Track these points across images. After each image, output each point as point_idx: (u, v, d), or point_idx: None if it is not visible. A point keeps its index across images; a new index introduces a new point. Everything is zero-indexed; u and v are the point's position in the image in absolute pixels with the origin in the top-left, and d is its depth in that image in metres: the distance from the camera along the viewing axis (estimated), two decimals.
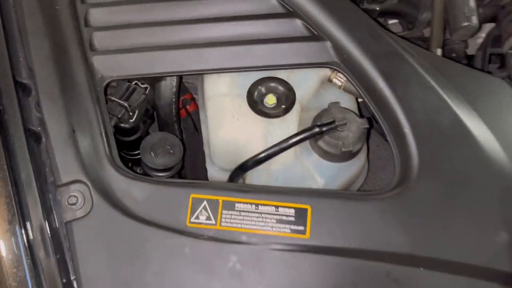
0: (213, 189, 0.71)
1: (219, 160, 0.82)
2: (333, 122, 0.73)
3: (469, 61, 1.04)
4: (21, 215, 0.66)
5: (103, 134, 0.73)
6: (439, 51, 0.88)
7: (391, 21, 1.10)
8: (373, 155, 0.93)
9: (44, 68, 0.74)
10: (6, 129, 0.68)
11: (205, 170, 0.87)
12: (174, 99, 0.85)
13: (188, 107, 0.98)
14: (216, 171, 0.84)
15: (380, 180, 0.91)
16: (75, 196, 0.69)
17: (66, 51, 0.77)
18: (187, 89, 1.00)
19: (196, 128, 0.96)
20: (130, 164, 0.95)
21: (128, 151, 0.92)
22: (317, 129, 0.72)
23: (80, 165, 0.70)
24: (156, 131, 0.94)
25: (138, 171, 1.00)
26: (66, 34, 0.78)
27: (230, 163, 0.81)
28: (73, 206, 0.68)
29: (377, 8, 0.92)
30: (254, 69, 0.79)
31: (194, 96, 1.01)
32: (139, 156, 0.85)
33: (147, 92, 0.84)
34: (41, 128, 0.72)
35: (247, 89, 0.79)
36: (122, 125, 0.83)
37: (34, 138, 0.71)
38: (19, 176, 0.67)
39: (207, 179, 0.88)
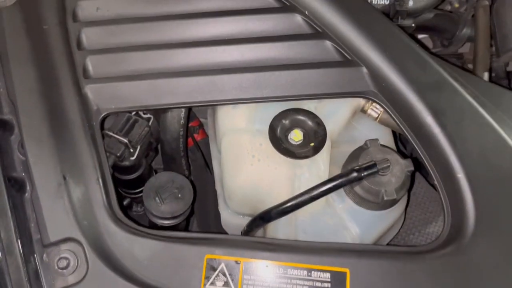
0: (231, 246, 0.60)
1: (235, 204, 0.70)
2: (375, 165, 0.62)
3: (509, 79, 0.93)
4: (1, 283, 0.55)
5: (100, 179, 0.61)
6: (486, 76, 0.77)
7: (420, 36, 0.99)
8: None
9: (29, 102, 0.63)
10: None
11: (216, 211, 0.75)
12: (182, 133, 0.73)
13: (195, 135, 0.86)
14: (231, 216, 0.73)
15: (416, 220, 0.80)
16: (67, 258, 0.58)
17: (56, 80, 0.65)
18: (194, 114, 0.88)
19: (206, 161, 0.84)
20: (130, 202, 0.83)
21: (128, 189, 0.80)
22: (355, 174, 0.61)
23: (73, 220, 0.59)
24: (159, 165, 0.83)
25: (139, 208, 0.88)
26: (56, 59, 0.66)
27: (249, 208, 0.69)
28: (64, 271, 0.57)
29: (413, 24, 0.81)
30: (276, 99, 0.68)
31: (202, 121, 0.89)
32: (140, 195, 0.73)
33: (150, 124, 0.73)
34: (25, 174, 0.60)
35: (268, 124, 0.67)
36: (122, 163, 0.71)
37: (16, 187, 0.59)
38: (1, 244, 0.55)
39: (217, 223, 0.76)
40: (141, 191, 0.73)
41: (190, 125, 0.85)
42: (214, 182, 0.77)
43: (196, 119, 0.88)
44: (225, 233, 0.75)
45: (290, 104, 0.69)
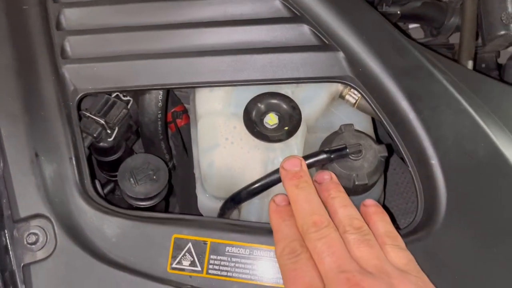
0: (200, 227, 0.60)
1: (210, 187, 0.70)
2: (345, 148, 0.61)
3: (499, 71, 0.91)
4: None
5: (73, 158, 0.62)
6: (470, 64, 0.75)
7: (411, 26, 0.98)
8: (389, 181, 0.81)
9: (4, 78, 0.63)
10: None
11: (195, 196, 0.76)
12: (160, 115, 0.74)
13: (179, 120, 0.86)
14: (208, 199, 0.73)
15: (398, 210, 0.79)
16: (36, 234, 0.58)
17: (33, 59, 0.65)
18: (179, 100, 0.88)
19: (185, 147, 0.84)
20: (113, 186, 0.84)
21: (109, 172, 0.81)
22: (324, 156, 0.60)
23: (43, 196, 0.59)
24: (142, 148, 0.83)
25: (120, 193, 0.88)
26: (34, 39, 0.66)
27: (224, 191, 0.69)
28: (33, 246, 0.58)
29: (398, 12, 0.80)
30: (253, 82, 0.67)
31: (186, 107, 0.89)
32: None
33: (129, 106, 0.73)
34: None
35: (243, 107, 0.67)
36: (100, 144, 0.71)
37: None
38: None
39: (197, 207, 0.76)
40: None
41: (174, 110, 0.86)
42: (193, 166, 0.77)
43: (180, 105, 0.88)
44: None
45: (267, 88, 0.69)
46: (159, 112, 0.73)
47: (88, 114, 0.69)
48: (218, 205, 0.71)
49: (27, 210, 0.59)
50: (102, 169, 0.81)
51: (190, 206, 0.83)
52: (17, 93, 0.63)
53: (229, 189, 0.68)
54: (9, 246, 0.58)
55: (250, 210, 0.66)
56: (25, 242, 0.58)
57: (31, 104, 0.63)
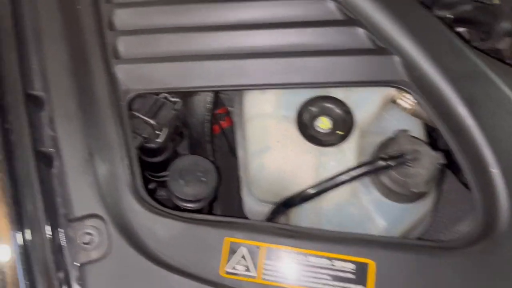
0: (253, 231, 0.59)
1: (258, 191, 0.70)
2: (402, 156, 0.60)
3: None
4: (27, 255, 0.56)
5: (125, 158, 0.62)
6: None
7: (458, 29, 0.96)
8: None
9: (60, 79, 0.63)
10: (12, 152, 0.57)
11: (240, 198, 0.75)
12: (208, 117, 0.73)
13: (222, 122, 0.86)
14: (254, 203, 0.72)
15: (447, 219, 0.77)
16: (90, 234, 0.58)
17: (86, 58, 0.66)
18: (222, 102, 0.88)
19: (231, 148, 0.83)
20: (155, 187, 0.84)
21: (153, 172, 0.81)
22: (382, 164, 0.59)
23: (98, 196, 0.59)
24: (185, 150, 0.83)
25: (163, 193, 0.88)
26: (87, 39, 0.67)
27: (273, 194, 0.68)
28: (88, 246, 0.58)
29: (450, 16, 0.78)
30: (305, 86, 0.67)
31: (229, 109, 0.89)
32: (165, 179, 0.74)
33: (178, 107, 0.73)
34: (54, 149, 0.61)
35: (295, 110, 0.66)
36: (148, 145, 0.71)
37: (44, 161, 0.60)
38: (25, 209, 0.56)
39: (241, 210, 0.76)
40: (165, 176, 0.74)
41: (217, 112, 0.85)
42: (237, 168, 0.76)
43: (223, 107, 0.88)
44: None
45: (318, 91, 0.68)
46: (208, 113, 0.73)
47: (138, 115, 0.69)
48: (265, 208, 0.71)
49: (82, 209, 0.59)
50: (146, 169, 0.81)
51: (232, 209, 0.82)
52: (72, 93, 0.63)
53: (278, 193, 0.67)
54: (63, 246, 0.58)
55: (301, 215, 0.66)
56: (80, 242, 0.58)
57: (85, 104, 0.63)
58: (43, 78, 0.63)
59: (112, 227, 0.58)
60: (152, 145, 0.72)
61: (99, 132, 0.62)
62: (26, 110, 0.60)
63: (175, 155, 0.79)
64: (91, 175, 0.60)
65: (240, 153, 0.76)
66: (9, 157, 0.57)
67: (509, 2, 0.84)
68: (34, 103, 0.62)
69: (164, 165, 0.77)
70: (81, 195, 0.59)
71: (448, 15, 0.79)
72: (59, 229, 0.58)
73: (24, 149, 0.58)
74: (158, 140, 0.71)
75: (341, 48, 0.67)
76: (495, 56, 0.91)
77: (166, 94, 0.73)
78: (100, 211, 0.59)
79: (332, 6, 0.68)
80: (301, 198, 0.62)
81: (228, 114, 0.86)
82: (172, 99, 0.74)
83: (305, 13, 0.68)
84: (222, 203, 0.83)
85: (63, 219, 0.59)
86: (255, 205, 0.72)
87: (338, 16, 0.68)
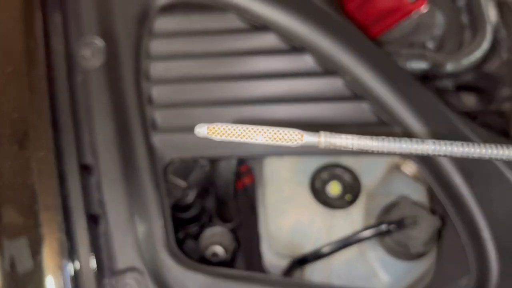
0: (271, 286, 0.67)
1: (277, 246, 0.78)
2: (402, 221, 0.68)
3: None
4: None
5: (161, 218, 0.72)
6: None
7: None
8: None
9: (108, 150, 0.74)
10: (70, 215, 0.68)
11: (259, 251, 0.83)
12: (233, 180, 0.83)
13: (244, 178, 0.95)
14: (273, 256, 0.80)
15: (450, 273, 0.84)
16: (131, 285, 0.67)
17: (129, 131, 0.76)
18: (244, 160, 0.97)
19: (252, 206, 0.92)
20: (182, 237, 0.93)
21: (182, 225, 0.90)
22: (385, 228, 0.67)
23: (137, 252, 0.69)
24: None
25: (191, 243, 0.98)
26: (130, 113, 0.78)
27: (290, 250, 0.77)
28: None
29: (452, 87, 0.86)
30: (319, 153, 0.76)
31: (251, 167, 0.98)
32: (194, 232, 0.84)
33: (206, 170, 0.83)
34: (101, 211, 0.71)
35: (309, 176, 0.75)
36: (180, 203, 0.81)
37: (93, 221, 0.71)
38: (80, 266, 0.66)
39: (259, 262, 0.84)
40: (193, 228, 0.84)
41: (240, 169, 0.95)
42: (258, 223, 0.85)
43: (246, 164, 0.97)
44: (267, 271, 0.83)
45: (331, 158, 0.77)
46: (233, 177, 0.82)
47: (172, 178, 0.79)
48: (282, 262, 0.79)
49: (124, 263, 0.68)
50: (178, 223, 0.91)
51: (253, 261, 0.91)
52: (117, 162, 0.73)
53: (294, 249, 0.76)
54: None
55: (314, 270, 0.74)
56: None
57: (128, 171, 0.73)
58: (92, 149, 0.74)
59: (149, 279, 0.67)
60: (183, 204, 0.82)
61: (139, 195, 0.73)
62: (80, 178, 0.71)
63: (203, 210, 0.89)
64: (131, 233, 0.70)
65: (260, 210, 0.84)
66: (67, 221, 0.67)
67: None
68: (86, 171, 0.73)
69: (192, 219, 0.87)
70: (123, 250, 0.69)
71: (450, 85, 0.87)
72: (106, 280, 0.68)
73: (79, 213, 0.68)
74: (188, 199, 0.81)
75: (351, 122, 0.76)
76: (500, 118, 0.98)
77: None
78: (139, 265, 0.68)
79: (341, 83, 0.77)
80: (315, 256, 0.70)
81: (250, 171, 0.96)
82: (202, 163, 0.84)
83: (317, 89, 0.77)
84: (244, 254, 0.91)
85: (108, 271, 0.69)
86: (273, 259, 0.80)
87: (346, 93, 0.77)
